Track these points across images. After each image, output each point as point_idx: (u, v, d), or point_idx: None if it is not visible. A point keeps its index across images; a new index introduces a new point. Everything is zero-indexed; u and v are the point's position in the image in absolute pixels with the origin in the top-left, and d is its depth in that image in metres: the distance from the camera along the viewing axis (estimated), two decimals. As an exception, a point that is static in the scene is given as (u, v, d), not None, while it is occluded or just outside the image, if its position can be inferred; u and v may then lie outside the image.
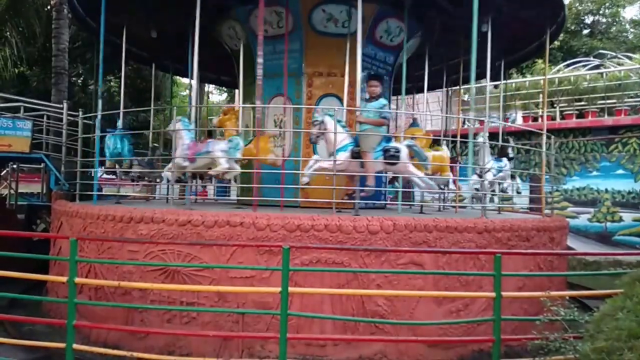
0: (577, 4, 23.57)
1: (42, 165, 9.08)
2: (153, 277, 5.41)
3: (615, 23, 24.45)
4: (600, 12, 24.13)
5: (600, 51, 18.93)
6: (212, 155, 6.61)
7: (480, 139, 7.69)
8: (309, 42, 8.35)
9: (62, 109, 9.01)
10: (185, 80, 21.56)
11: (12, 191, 10.19)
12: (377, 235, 5.43)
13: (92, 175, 8.00)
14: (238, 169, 6.72)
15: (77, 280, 4.48)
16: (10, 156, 8.57)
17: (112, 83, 17.42)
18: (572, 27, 22.83)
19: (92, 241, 6.16)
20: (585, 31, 24.15)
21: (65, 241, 6.68)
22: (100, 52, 7.51)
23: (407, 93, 12.09)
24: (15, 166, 10.67)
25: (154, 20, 9.26)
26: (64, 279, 4.45)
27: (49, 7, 14.30)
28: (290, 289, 4.20)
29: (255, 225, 5.38)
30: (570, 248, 10.64)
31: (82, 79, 17.36)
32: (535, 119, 14.43)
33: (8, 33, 14.01)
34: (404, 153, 6.43)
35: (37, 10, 14.15)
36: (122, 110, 8.35)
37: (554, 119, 13.83)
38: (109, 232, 6.00)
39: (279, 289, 4.12)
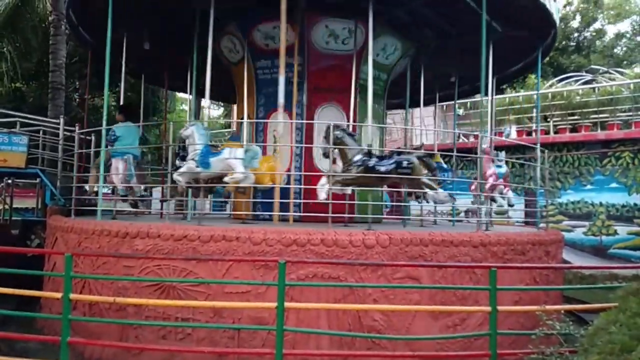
0: (562, 24, 24.11)
1: (38, 180, 9.07)
2: (148, 293, 5.38)
3: (599, 38, 25.00)
4: (586, 29, 24.74)
5: (592, 66, 19.24)
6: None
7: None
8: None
9: (58, 124, 9.03)
10: (182, 95, 21.66)
11: (6, 206, 10.14)
12: (373, 250, 5.43)
13: (88, 190, 7.99)
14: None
15: (72, 296, 4.45)
16: (6, 171, 8.56)
17: (109, 98, 17.47)
18: (560, 45, 23.30)
19: (87, 257, 6.13)
20: (572, 46, 24.66)
21: (60, 257, 6.64)
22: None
23: (401, 107, 12.29)
24: (10, 181, 10.65)
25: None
26: (59, 295, 4.42)
27: (46, 23, 14.42)
28: (286, 304, 4.19)
29: (251, 239, 5.38)
30: (565, 261, 10.67)
31: (78, 94, 17.41)
32: (529, 133, 14.57)
33: (5, 49, 14.08)
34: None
35: (34, 26, 14.26)
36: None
37: (547, 133, 13.98)
38: (104, 247, 5.97)
39: (274, 304, 4.11)
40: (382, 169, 6.42)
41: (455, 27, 9.25)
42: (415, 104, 11.77)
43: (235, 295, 5.18)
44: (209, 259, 5.27)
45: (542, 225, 8.50)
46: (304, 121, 8.25)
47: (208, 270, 5.32)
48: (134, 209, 8.28)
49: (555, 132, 14.01)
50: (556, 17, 8.20)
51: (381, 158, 6.66)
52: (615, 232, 12.45)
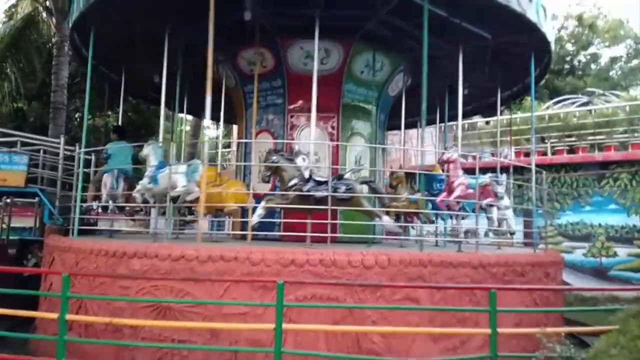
0: (557, 47, 24.57)
1: (37, 199, 9.06)
2: (145, 314, 5.32)
3: (594, 62, 25.44)
4: (580, 52, 25.20)
5: (588, 89, 19.51)
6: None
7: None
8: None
9: (59, 143, 9.08)
10: (182, 116, 21.80)
11: (4, 226, 10.10)
12: (372, 270, 5.40)
13: (86, 209, 7.97)
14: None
15: (68, 317, 4.40)
16: (5, 191, 8.56)
17: (110, 118, 17.62)
18: (555, 68, 23.68)
19: (84, 277, 6.08)
20: (566, 69, 25.08)
21: (56, 277, 6.59)
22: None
23: (397, 128, 12.37)
24: (8, 200, 10.63)
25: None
26: (55, 315, 4.37)
27: (50, 45, 14.64)
28: (285, 325, 4.14)
29: (249, 259, 5.35)
30: (565, 283, 10.60)
31: (79, 113, 17.56)
32: (527, 155, 14.64)
33: (8, 69, 14.25)
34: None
35: (38, 47, 14.46)
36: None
37: (545, 154, 14.06)
38: (101, 267, 5.93)
39: (272, 326, 4.07)
40: (317, 194, 6.30)
41: (442, 41, 9.38)
42: (414, 125, 11.93)
43: (232, 316, 5.12)
44: (206, 280, 5.23)
45: (541, 246, 8.47)
46: (284, 141, 8.41)
47: (205, 291, 5.28)
48: (129, 217, 8.36)
49: (553, 154, 14.10)
50: (550, 38, 8.33)
51: (320, 183, 6.48)
52: (615, 254, 12.40)
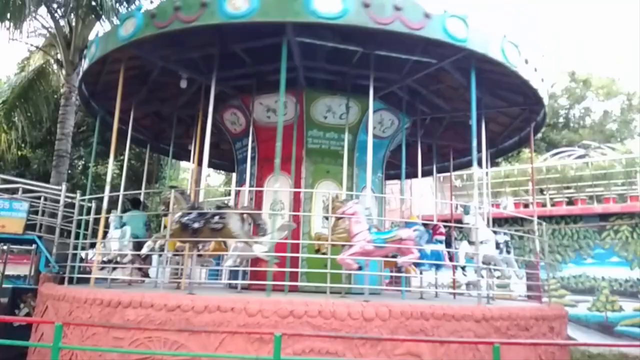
0: (553, 101, 25.29)
1: (34, 246, 8.98)
2: (137, 367, 5.14)
3: (588, 115, 26.09)
4: (575, 106, 25.93)
5: (584, 141, 19.87)
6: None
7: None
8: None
9: (59, 190, 9.12)
10: (184, 164, 22.06)
11: (-2, 273, 9.95)
12: (372, 323, 5.27)
13: (83, 258, 7.91)
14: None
15: (57, 369, 4.25)
16: (3, 237, 8.50)
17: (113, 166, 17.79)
18: (551, 121, 24.27)
19: (77, 326, 5.91)
20: (561, 123, 25.68)
21: (47, 327, 6.41)
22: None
23: (396, 178, 12.49)
24: (5, 247, 10.53)
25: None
26: (43, 367, 4.22)
27: (58, 95, 15.06)
28: (282, 380, 3.99)
29: (246, 310, 5.23)
30: (571, 338, 10.29)
31: (82, 161, 17.75)
32: (526, 206, 14.68)
33: (16, 118, 14.58)
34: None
35: (46, 97, 14.87)
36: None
37: (544, 205, 14.09)
38: (95, 317, 5.79)
39: (269, 381, 3.92)
40: (195, 225, 6.40)
41: (449, 103, 9.68)
42: (413, 175, 12.02)
43: (228, 370, 4.94)
44: (202, 331, 5.09)
45: (544, 299, 8.30)
46: (255, 188, 8.88)
47: (201, 343, 5.12)
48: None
49: (552, 205, 14.13)
50: (544, 95, 8.60)
51: (202, 214, 6.54)
52: (621, 308, 12.12)
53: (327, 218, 6.68)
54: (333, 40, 7.38)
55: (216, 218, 6.37)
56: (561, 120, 26.03)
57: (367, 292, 6.50)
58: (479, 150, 10.72)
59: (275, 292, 6.06)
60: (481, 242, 7.16)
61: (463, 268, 7.92)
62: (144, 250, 7.18)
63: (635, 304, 11.98)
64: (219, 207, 6.95)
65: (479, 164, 10.91)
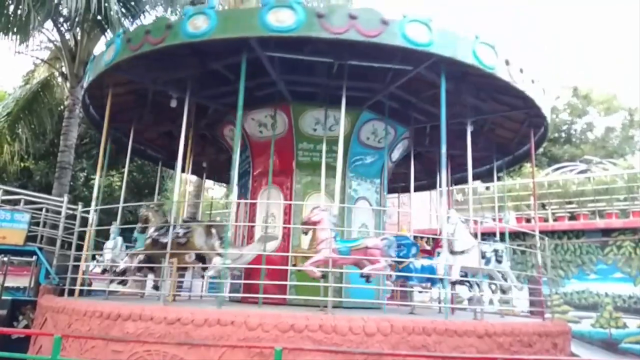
0: (554, 116, 25.40)
1: (34, 258, 8.96)
2: (135, 381, 5.08)
3: (590, 130, 26.15)
4: (576, 121, 26.02)
5: (586, 156, 19.87)
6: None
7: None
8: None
9: (62, 202, 9.13)
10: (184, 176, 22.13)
11: (-2, 285, 9.91)
12: (373, 338, 5.21)
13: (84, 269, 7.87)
14: (121, 265, 7.57)
15: (55, 382, 4.20)
16: (4, 249, 8.49)
17: (114, 178, 17.84)
18: (552, 136, 24.31)
19: (76, 339, 5.86)
20: (563, 137, 25.73)
21: (46, 339, 6.36)
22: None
23: (394, 192, 12.48)
24: (5, 259, 10.50)
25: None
26: (41, 380, 4.18)
27: (62, 107, 15.16)
28: (282, 395, 3.94)
29: (246, 324, 5.18)
30: (574, 355, 10.16)
31: (85, 173, 17.81)
32: (528, 220, 14.62)
33: (20, 130, 14.66)
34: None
35: (50, 109, 14.97)
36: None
37: (546, 220, 14.03)
38: (94, 329, 5.75)
39: (269, 396, 3.87)
40: (164, 240, 6.50)
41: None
42: (424, 187, 12.13)
43: (227, 385, 4.88)
44: (201, 345, 5.04)
45: (547, 315, 8.22)
46: (249, 201, 9.06)
47: (200, 357, 5.06)
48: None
49: (554, 220, 14.07)
50: (546, 110, 8.60)
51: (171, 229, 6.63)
52: (625, 325, 11.98)
53: (305, 233, 6.62)
54: (309, 53, 7.26)
55: (181, 232, 6.52)
56: (563, 135, 26.07)
57: (352, 305, 6.44)
58: (490, 162, 10.79)
59: (266, 305, 6.02)
60: (462, 252, 6.87)
61: (461, 283, 7.54)
62: (122, 266, 7.38)
63: (639, 321, 11.84)
64: (185, 221, 7.16)
65: (490, 175, 10.96)
